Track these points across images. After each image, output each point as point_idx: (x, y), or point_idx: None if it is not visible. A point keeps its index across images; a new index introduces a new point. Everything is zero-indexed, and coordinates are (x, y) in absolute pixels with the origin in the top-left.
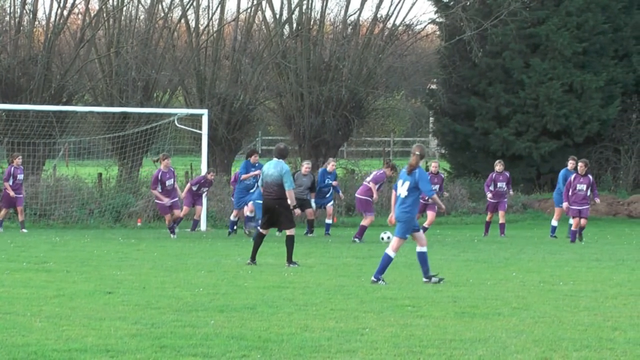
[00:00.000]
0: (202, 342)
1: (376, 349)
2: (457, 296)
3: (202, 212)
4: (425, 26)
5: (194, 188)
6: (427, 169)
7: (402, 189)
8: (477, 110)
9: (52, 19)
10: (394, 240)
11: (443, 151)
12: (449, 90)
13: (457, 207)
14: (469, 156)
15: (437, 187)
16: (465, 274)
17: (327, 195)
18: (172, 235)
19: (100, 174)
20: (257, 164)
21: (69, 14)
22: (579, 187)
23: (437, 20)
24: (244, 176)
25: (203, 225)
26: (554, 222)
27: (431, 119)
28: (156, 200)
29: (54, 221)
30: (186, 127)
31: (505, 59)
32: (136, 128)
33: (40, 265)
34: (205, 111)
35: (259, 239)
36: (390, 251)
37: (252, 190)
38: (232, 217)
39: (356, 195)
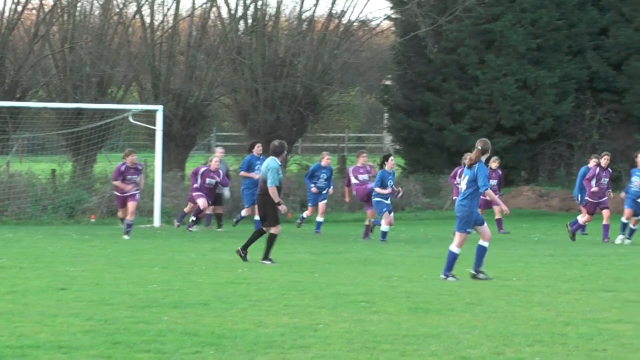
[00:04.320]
0: (155, 338)
1: (330, 345)
2: (411, 292)
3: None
4: (381, 22)
5: (206, 183)
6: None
7: (463, 182)
8: (431, 106)
9: (6, 14)
10: (456, 236)
11: (397, 147)
12: (404, 86)
13: (411, 203)
14: (423, 152)
15: (494, 182)
16: (419, 270)
17: (323, 192)
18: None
19: (54, 170)
20: (261, 157)
21: (23, 10)
22: (603, 180)
23: (393, 16)
24: (242, 173)
25: (157, 222)
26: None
27: (386, 115)
28: (115, 192)
29: (7, 217)
30: (141, 123)
31: (460, 55)
32: (90, 124)
33: None
34: (159, 107)
35: (256, 234)
36: (453, 247)
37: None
38: (243, 213)
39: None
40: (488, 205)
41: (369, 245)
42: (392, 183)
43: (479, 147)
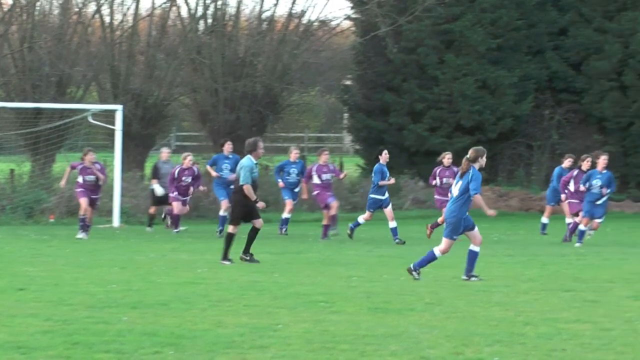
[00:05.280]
0: (115, 338)
1: (289, 345)
2: (371, 292)
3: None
4: (341, 22)
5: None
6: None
7: (455, 188)
8: (391, 106)
9: None
10: (443, 241)
11: (357, 147)
12: (364, 86)
13: None
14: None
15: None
16: (379, 270)
17: (296, 190)
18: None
19: (12, 170)
20: (231, 155)
21: None
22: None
23: (353, 16)
24: (207, 167)
25: (116, 222)
26: (545, 220)
27: (345, 115)
28: (76, 189)
29: None
30: (100, 123)
31: (420, 55)
32: (49, 124)
33: None
34: (119, 107)
35: (251, 234)
36: (437, 251)
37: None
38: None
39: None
40: None
41: (329, 245)
42: (388, 175)
43: (468, 157)
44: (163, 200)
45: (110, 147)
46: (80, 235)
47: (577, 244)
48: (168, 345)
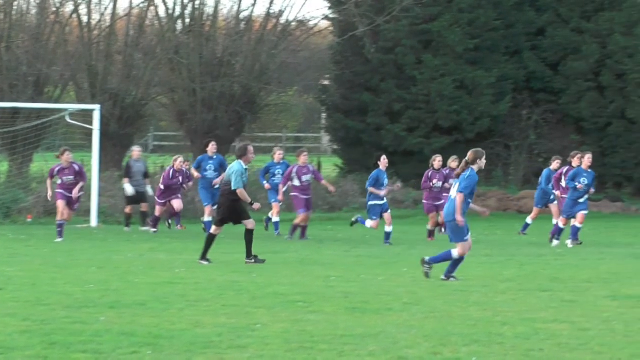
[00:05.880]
0: (92, 338)
1: (267, 345)
2: (349, 292)
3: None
4: (319, 22)
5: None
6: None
7: (453, 190)
8: (369, 106)
9: None
10: (458, 246)
11: (335, 147)
12: (342, 86)
13: (349, 203)
14: (361, 152)
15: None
16: (357, 270)
17: (283, 190)
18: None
19: None
20: (215, 156)
21: None
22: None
23: (331, 16)
24: (192, 170)
25: (94, 222)
26: (529, 220)
27: (324, 115)
28: (56, 190)
29: None
30: (78, 123)
31: (398, 55)
32: (27, 123)
33: None
34: (97, 107)
35: (248, 236)
36: (455, 253)
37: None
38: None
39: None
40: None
41: (307, 245)
42: (387, 182)
43: (467, 159)
44: (138, 199)
45: (88, 147)
46: (59, 239)
47: (569, 242)
48: (146, 345)
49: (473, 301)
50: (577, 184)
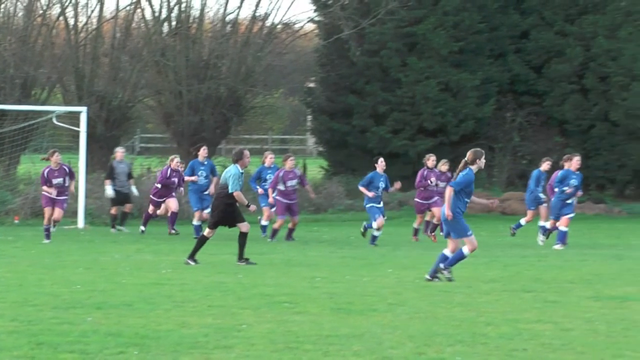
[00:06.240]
0: (79, 339)
1: (253, 345)
2: (334, 292)
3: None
4: (304, 25)
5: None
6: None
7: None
8: (354, 108)
9: None
10: (467, 242)
11: (321, 149)
12: (327, 89)
13: (334, 204)
14: (346, 154)
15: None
16: (342, 271)
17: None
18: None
19: None
20: (206, 161)
21: None
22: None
23: (316, 19)
24: (186, 178)
25: (81, 223)
26: (523, 222)
27: (309, 117)
28: (43, 192)
29: None
30: (65, 125)
31: (383, 58)
32: (14, 125)
33: None
34: (83, 109)
35: (241, 239)
36: (465, 250)
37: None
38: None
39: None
40: (428, 207)
41: (292, 246)
42: (383, 185)
43: (466, 159)
44: (122, 200)
45: (75, 149)
46: (46, 241)
47: (558, 246)
48: (132, 346)
49: (457, 302)
50: (565, 188)
